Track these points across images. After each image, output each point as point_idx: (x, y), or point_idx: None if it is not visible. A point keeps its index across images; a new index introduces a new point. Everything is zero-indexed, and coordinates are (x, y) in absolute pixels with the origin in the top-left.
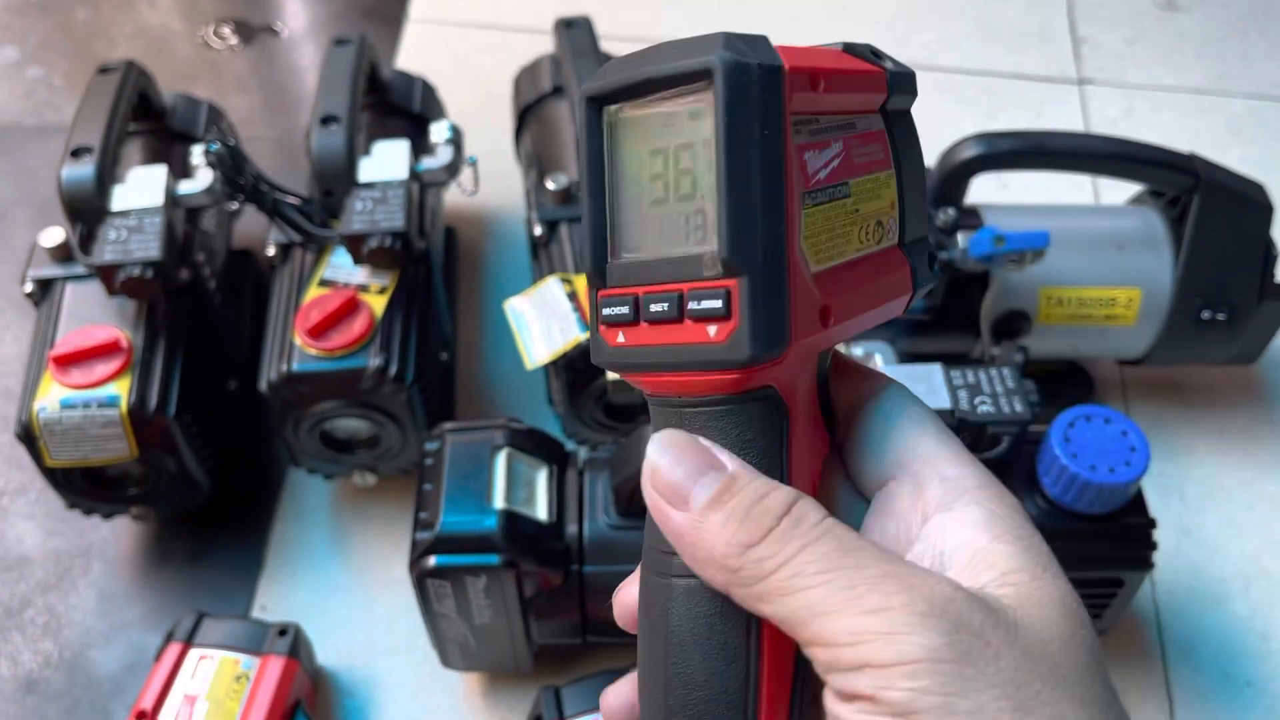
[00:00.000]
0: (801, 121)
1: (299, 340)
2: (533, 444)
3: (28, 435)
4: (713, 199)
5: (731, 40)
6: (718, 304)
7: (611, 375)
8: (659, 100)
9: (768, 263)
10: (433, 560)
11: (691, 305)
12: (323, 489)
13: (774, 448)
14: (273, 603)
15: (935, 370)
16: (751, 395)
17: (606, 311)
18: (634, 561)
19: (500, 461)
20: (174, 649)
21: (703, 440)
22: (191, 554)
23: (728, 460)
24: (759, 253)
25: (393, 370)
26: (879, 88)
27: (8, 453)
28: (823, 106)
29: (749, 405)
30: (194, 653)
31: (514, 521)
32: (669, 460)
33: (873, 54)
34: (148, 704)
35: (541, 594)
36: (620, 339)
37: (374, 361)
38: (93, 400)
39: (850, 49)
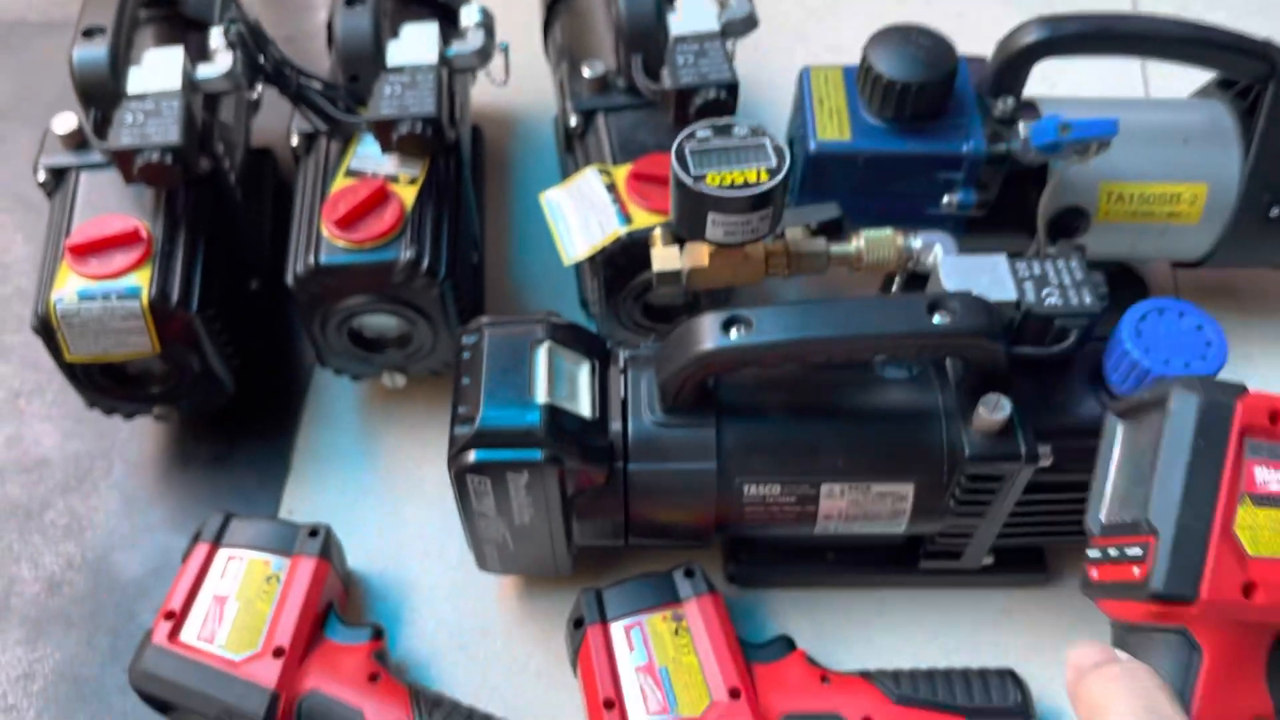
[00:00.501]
0: (1259, 446)
1: (327, 232)
2: (573, 339)
3: (45, 328)
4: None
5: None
6: (1139, 551)
7: (655, 269)
8: None
9: (1182, 528)
10: (473, 455)
11: (1127, 551)
12: (350, 391)
13: (1177, 673)
14: (300, 507)
15: (1000, 261)
16: (1162, 628)
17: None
18: (679, 459)
19: (541, 355)
20: (202, 549)
21: (1113, 649)
22: (216, 457)
23: (1121, 655)
24: (1174, 521)
25: (425, 264)
26: None
27: (24, 353)
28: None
29: (1157, 635)
30: (222, 553)
31: (557, 416)
32: (1082, 649)
33: None
34: (176, 604)
35: (583, 493)
36: (1094, 574)
37: (405, 254)
38: (112, 291)
39: None
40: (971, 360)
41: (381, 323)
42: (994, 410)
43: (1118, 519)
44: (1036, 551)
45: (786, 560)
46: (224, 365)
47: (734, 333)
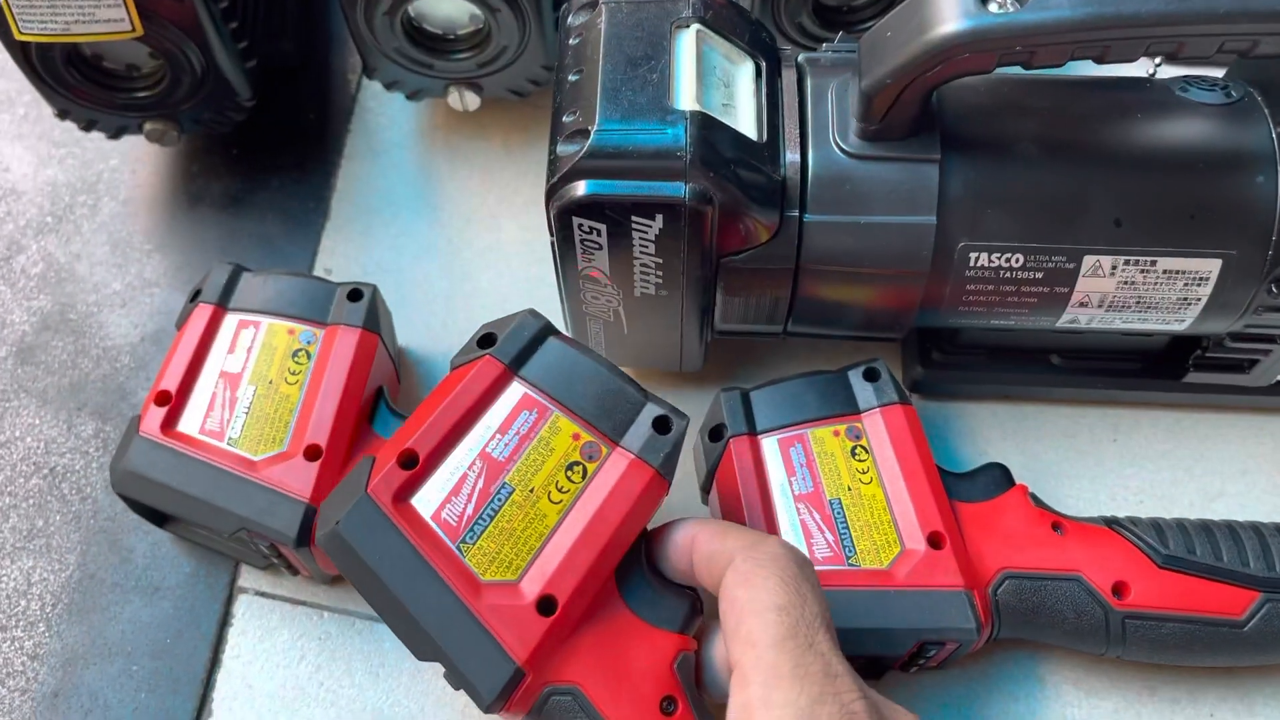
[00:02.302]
0: None
1: None
2: (732, 25)
3: None
4: None
5: None
6: None
7: None
8: None
9: None
10: (583, 187)
11: None
12: (407, 115)
13: None
14: (340, 265)
15: None
16: None
17: None
18: (883, 209)
19: (687, 43)
20: (203, 312)
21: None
22: (233, 196)
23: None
24: None
25: None
26: None
27: None
28: None
29: None
30: (231, 318)
31: (710, 134)
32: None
33: None
34: (171, 383)
35: (738, 253)
36: None
37: None
38: None
39: None
40: None
41: (450, 10)
42: None
43: None
44: None
45: (995, 364)
46: (237, 65)
47: (996, 4)
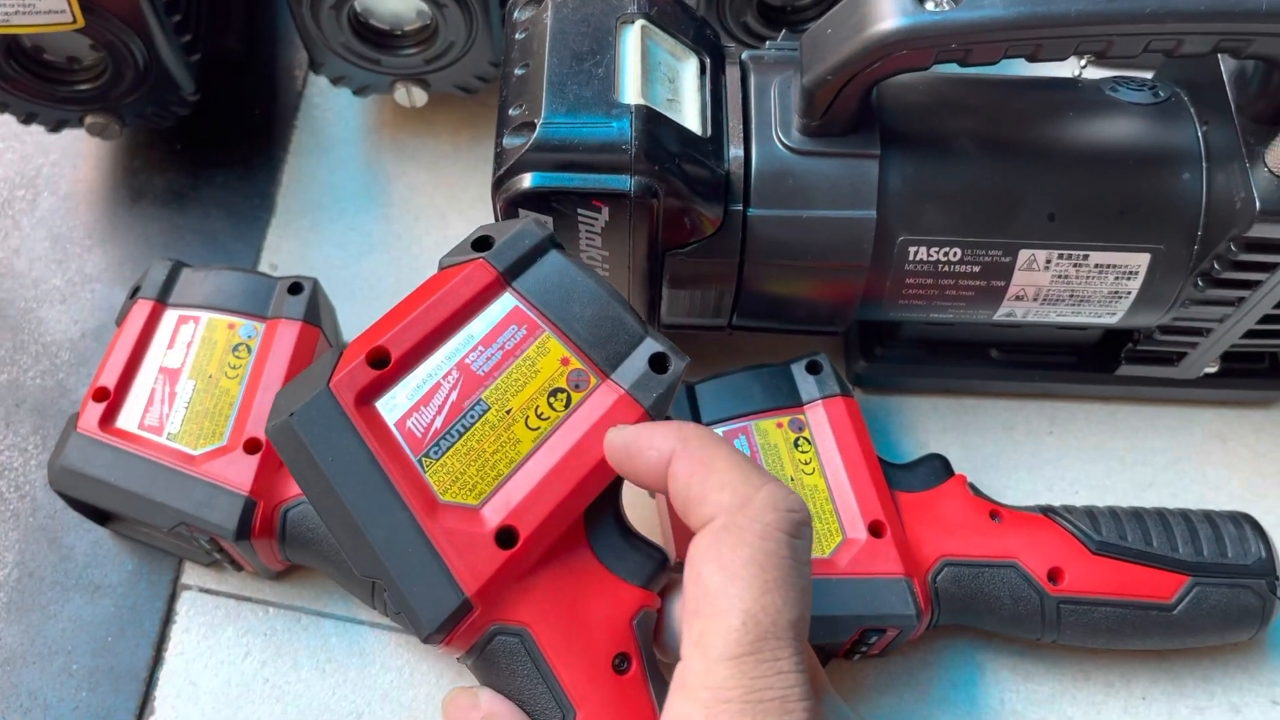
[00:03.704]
0: None
1: None
2: (676, 21)
3: None
4: None
5: None
6: None
7: None
8: None
9: None
10: (528, 179)
11: None
12: (354, 110)
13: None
14: (285, 261)
15: None
16: None
17: None
18: (824, 204)
19: (631, 39)
20: (142, 308)
21: None
22: (176, 191)
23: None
24: None
25: None
26: None
27: None
28: None
29: None
30: (171, 314)
31: (655, 127)
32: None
33: None
34: (109, 380)
35: (682, 246)
36: None
37: None
38: None
39: None
40: None
41: (396, 6)
42: None
43: None
44: (1268, 358)
45: (935, 357)
46: (180, 59)
47: (932, 3)
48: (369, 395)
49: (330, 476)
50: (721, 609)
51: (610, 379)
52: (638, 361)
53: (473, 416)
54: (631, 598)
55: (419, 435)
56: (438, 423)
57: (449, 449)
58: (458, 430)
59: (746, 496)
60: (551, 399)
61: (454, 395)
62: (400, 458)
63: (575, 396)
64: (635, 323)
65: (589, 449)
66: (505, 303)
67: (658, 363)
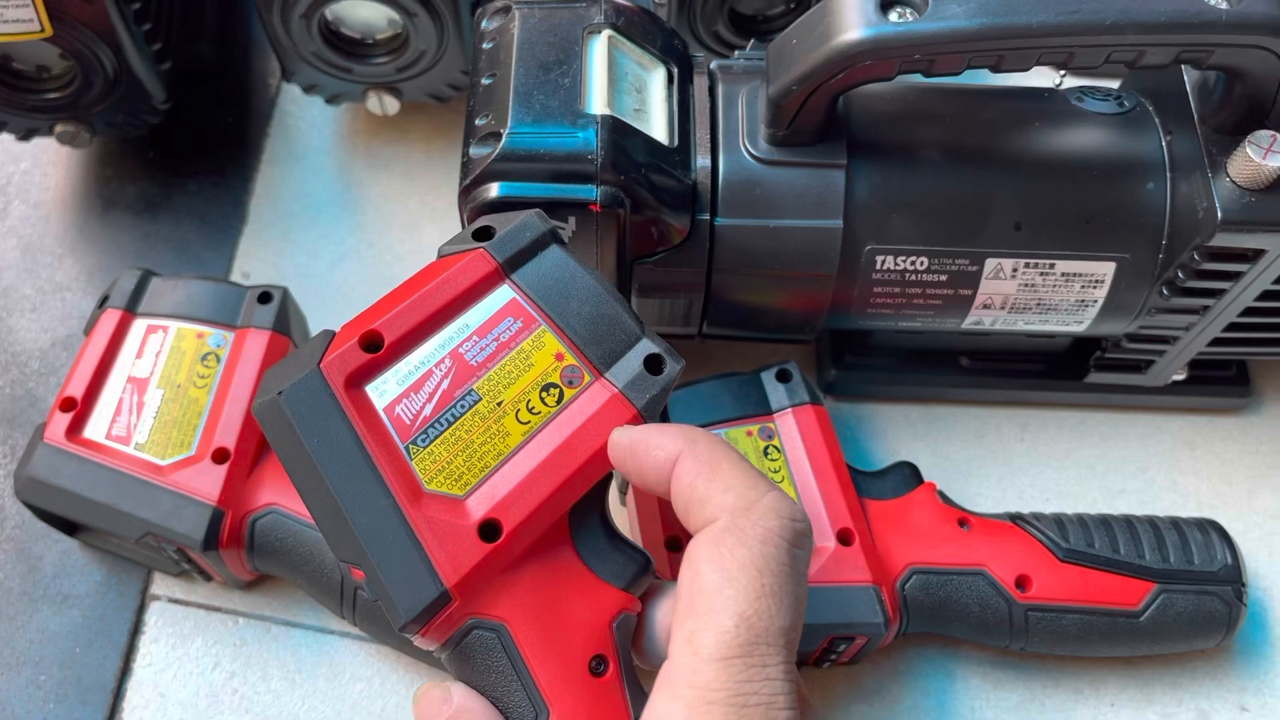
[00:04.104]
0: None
1: None
2: (643, 31)
3: None
4: None
5: None
6: None
7: None
8: None
9: None
10: (495, 189)
11: None
12: (326, 119)
13: None
14: (257, 269)
15: None
16: None
17: None
18: (791, 213)
19: (598, 48)
20: (110, 317)
21: None
22: (148, 200)
23: None
24: None
25: None
26: None
27: None
28: None
29: None
30: (139, 323)
31: (621, 137)
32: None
33: None
34: (77, 389)
35: (650, 256)
36: None
37: None
38: None
39: None
40: (1246, 74)
41: (367, 16)
42: (1269, 153)
43: None
44: (1235, 365)
45: (906, 366)
46: (151, 67)
47: (896, 14)
48: (359, 379)
49: (315, 458)
50: (715, 609)
51: (604, 377)
52: (633, 361)
53: (463, 406)
54: (612, 600)
55: (407, 422)
56: (427, 410)
57: (437, 438)
58: (447, 419)
59: (751, 500)
60: (544, 394)
61: (445, 384)
62: (387, 443)
63: (568, 393)
64: (633, 322)
65: (579, 446)
66: (503, 294)
67: (653, 364)
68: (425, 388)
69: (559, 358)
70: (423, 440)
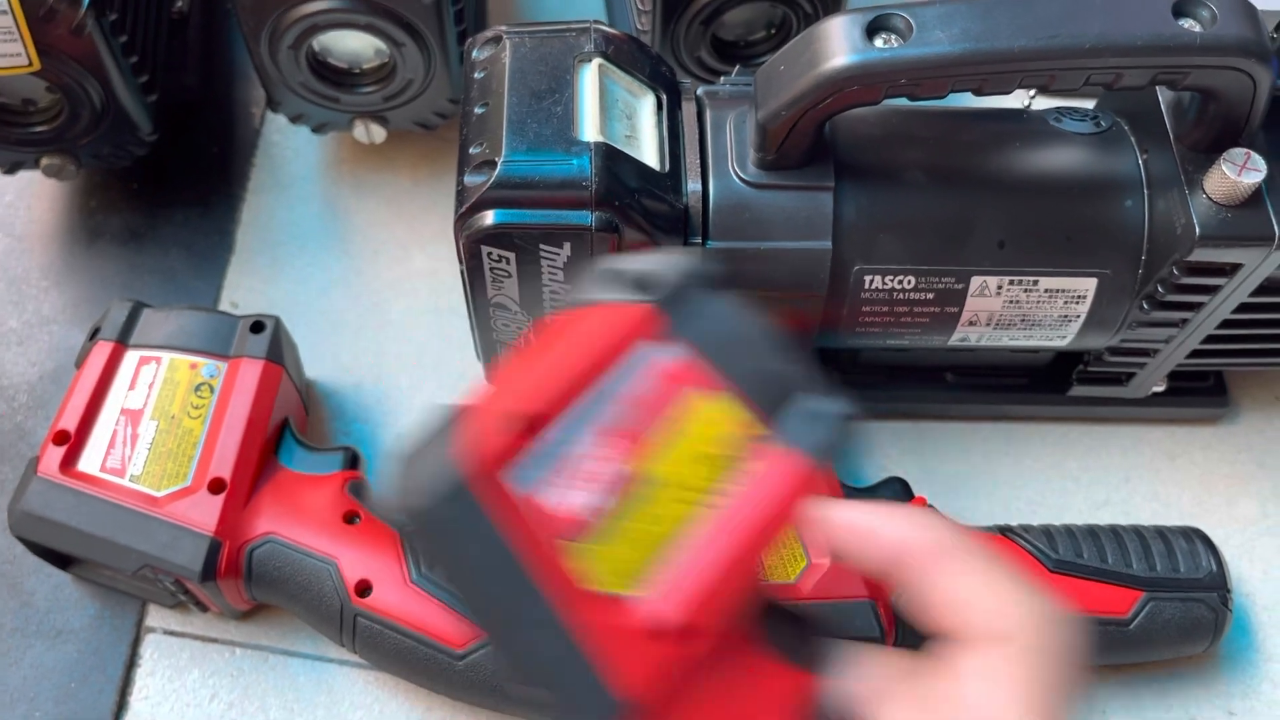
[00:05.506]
0: None
1: None
2: (632, 59)
3: None
4: None
5: None
6: None
7: None
8: None
9: None
10: (490, 216)
11: None
12: (312, 148)
13: None
14: (246, 299)
15: None
16: None
17: None
18: (780, 235)
19: (589, 77)
20: (102, 349)
21: None
22: (134, 231)
23: None
24: None
25: None
26: None
27: None
28: None
29: None
30: (131, 355)
31: (614, 164)
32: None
33: None
34: (70, 423)
35: None
36: None
37: None
38: None
39: None
40: (1220, 94)
41: (354, 45)
42: (1243, 170)
43: None
44: (1213, 376)
45: (891, 381)
46: (137, 99)
47: (881, 40)
48: (502, 466)
49: (465, 572)
50: None
51: (780, 439)
52: (806, 416)
53: (622, 488)
54: (799, 684)
55: (562, 514)
56: (582, 497)
57: (596, 528)
58: (605, 505)
59: (1041, 615)
60: (713, 465)
61: (600, 464)
62: (540, 542)
63: (744, 461)
64: (809, 375)
65: (762, 520)
66: (662, 352)
67: (827, 418)
68: (578, 470)
69: (733, 422)
70: (580, 533)
